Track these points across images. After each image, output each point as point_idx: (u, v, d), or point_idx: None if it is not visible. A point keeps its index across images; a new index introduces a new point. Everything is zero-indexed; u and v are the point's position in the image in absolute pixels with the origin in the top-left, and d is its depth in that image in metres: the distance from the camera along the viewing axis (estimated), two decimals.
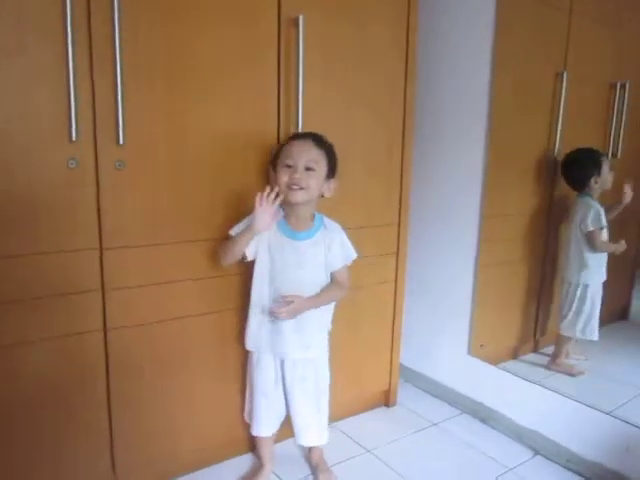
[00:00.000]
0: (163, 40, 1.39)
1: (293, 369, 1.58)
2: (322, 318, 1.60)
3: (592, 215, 2.09)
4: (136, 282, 1.45)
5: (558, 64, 2.14)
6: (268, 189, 1.42)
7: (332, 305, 1.62)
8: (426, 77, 2.15)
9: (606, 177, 2.10)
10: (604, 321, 2.45)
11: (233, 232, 1.50)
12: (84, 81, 1.30)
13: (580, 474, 1.76)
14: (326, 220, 1.58)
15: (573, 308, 2.19)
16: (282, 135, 1.63)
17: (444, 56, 2.16)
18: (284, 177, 1.45)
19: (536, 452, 1.88)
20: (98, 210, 1.38)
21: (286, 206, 1.51)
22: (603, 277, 2.16)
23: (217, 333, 1.63)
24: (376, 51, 1.81)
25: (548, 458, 1.85)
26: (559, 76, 2.13)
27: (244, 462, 1.77)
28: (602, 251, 2.14)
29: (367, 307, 1.98)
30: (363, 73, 1.79)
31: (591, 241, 2.12)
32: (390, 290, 2.04)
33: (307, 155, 1.45)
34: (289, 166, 1.45)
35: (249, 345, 1.58)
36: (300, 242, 1.51)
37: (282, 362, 1.58)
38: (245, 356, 1.66)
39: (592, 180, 2.09)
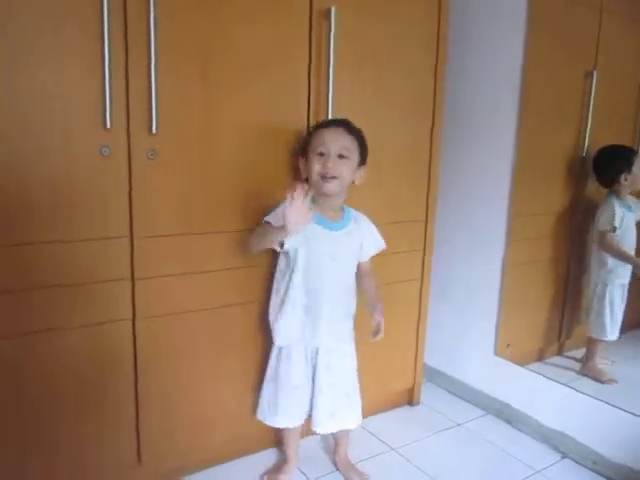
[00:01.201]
0: (197, 32, 1.40)
1: (324, 358, 1.55)
2: (352, 306, 1.60)
3: (606, 214, 2.08)
4: (165, 271, 1.45)
5: (588, 63, 2.12)
6: (299, 187, 1.31)
7: (355, 293, 1.60)
8: (457, 77, 2.13)
9: (637, 175, 2.06)
10: (632, 326, 2.41)
11: (270, 219, 1.45)
12: (119, 68, 1.30)
13: (607, 477, 1.72)
14: (353, 211, 1.58)
15: (594, 308, 2.17)
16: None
17: (475, 56, 2.14)
18: (317, 166, 1.43)
19: (564, 455, 1.85)
20: (130, 199, 1.38)
21: (318, 196, 1.48)
22: (624, 278, 2.13)
23: (245, 325, 1.63)
24: (407, 50, 1.80)
25: (575, 461, 1.81)
26: (589, 75, 2.10)
27: (269, 456, 1.76)
28: (609, 253, 2.10)
29: (392, 304, 1.95)
30: (393, 71, 1.78)
31: (599, 241, 2.11)
32: (416, 288, 2.02)
33: (340, 142, 1.43)
34: (321, 154, 1.43)
35: (281, 341, 1.54)
36: (336, 233, 1.50)
37: (313, 353, 1.55)
38: (267, 350, 1.65)
39: (622, 177, 2.07)
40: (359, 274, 1.61)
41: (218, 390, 1.61)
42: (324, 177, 1.42)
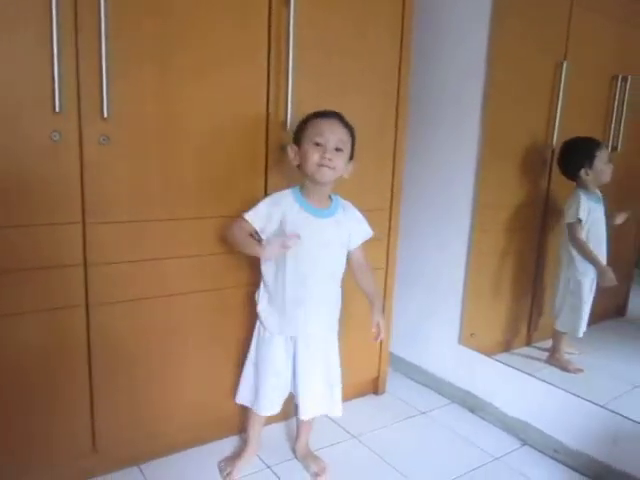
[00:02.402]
0: (153, 15, 1.38)
1: (306, 346, 1.55)
2: (339, 296, 1.61)
3: (574, 206, 2.04)
4: (120, 258, 1.44)
5: (558, 54, 2.12)
6: (294, 238, 1.43)
7: (340, 281, 1.60)
8: (422, 64, 2.13)
9: (600, 169, 2.04)
10: (601, 317, 2.43)
11: (248, 218, 1.46)
12: (68, 49, 1.28)
13: (567, 464, 1.74)
14: (340, 199, 1.58)
15: (562, 302, 2.17)
16: (271, 116, 1.62)
17: (440, 42, 2.14)
18: (314, 155, 1.43)
19: (524, 442, 1.86)
20: (82, 185, 1.36)
21: (310, 184, 1.49)
22: (593, 273, 2.11)
23: (207, 313, 1.62)
24: (371, 37, 1.79)
25: (536, 448, 1.83)
26: (559, 66, 2.10)
27: (227, 445, 1.76)
28: (575, 247, 2.08)
29: (357, 293, 1.95)
30: (358, 58, 1.77)
31: (568, 234, 2.09)
32: (381, 276, 2.02)
33: (337, 134, 1.44)
34: (318, 144, 1.44)
35: (268, 326, 1.54)
36: (325, 220, 1.50)
37: (295, 340, 1.55)
38: (240, 337, 1.65)
39: (582, 171, 2.04)
40: (354, 265, 1.61)
41: (177, 378, 1.61)
42: (321, 165, 1.43)
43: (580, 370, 2.11)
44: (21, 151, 1.28)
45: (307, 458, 1.69)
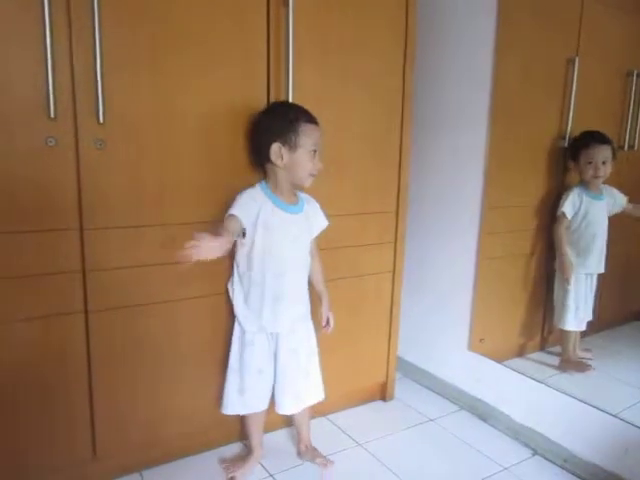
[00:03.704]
0: (147, 18, 1.36)
1: (287, 341, 1.56)
2: (306, 288, 1.62)
3: (562, 199, 2.07)
4: (117, 264, 1.43)
5: (570, 50, 2.06)
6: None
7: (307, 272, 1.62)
8: (427, 61, 2.09)
9: (584, 165, 2.04)
10: (618, 322, 2.37)
11: (235, 212, 1.44)
12: (63, 57, 1.27)
13: (577, 475, 1.68)
14: (302, 193, 1.61)
15: (559, 298, 2.15)
16: None
17: (446, 40, 2.09)
18: (308, 164, 1.48)
19: (534, 452, 1.81)
20: (79, 190, 1.35)
21: (284, 183, 1.51)
22: (589, 268, 2.10)
23: (205, 317, 1.60)
24: (374, 35, 1.76)
25: (545, 458, 1.77)
26: (571, 62, 2.04)
27: (229, 452, 1.73)
28: (554, 239, 2.09)
29: (364, 297, 1.93)
30: (360, 57, 1.74)
31: (553, 225, 2.09)
32: (388, 280, 1.98)
33: (320, 140, 1.49)
34: (314, 152, 1.48)
35: (247, 326, 1.54)
36: (296, 215, 1.53)
37: (274, 337, 1.56)
38: (225, 343, 1.63)
39: (569, 163, 2.08)
40: None
41: (176, 384, 1.59)
42: (312, 175, 1.49)
43: (591, 368, 2.08)
44: (17, 157, 1.27)
45: (314, 455, 1.70)
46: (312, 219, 1.60)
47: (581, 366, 2.09)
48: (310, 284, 1.64)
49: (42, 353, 1.38)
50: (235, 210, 1.44)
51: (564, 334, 2.15)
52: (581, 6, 2.06)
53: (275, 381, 1.59)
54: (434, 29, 2.11)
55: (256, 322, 1.53)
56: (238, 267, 1.54)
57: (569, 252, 2.08)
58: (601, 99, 2.16)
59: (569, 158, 2.10)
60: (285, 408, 1.59)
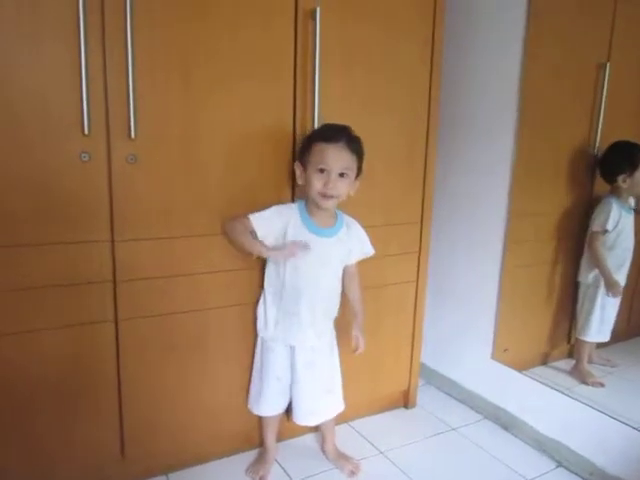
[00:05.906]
0: (178, 35, 1.39)
1: (304, 355, 1.58)
2: (335, 308, 1.63)
3: (601, 215, 1.98)
4: (147, 274, 1.47)
5: (601, 54, 2.02)
6: (303, 247, 1.46)
7: (339, 294, 1.62)
8: (454, 72, 2.07)
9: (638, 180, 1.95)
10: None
11: (253, 219, 1.47)
12: (96, 77, 1.31)
13: None
14: (346, 217, 1.58)
15: (585, 310, 2.10)
16: (298, 131, 1.61)
17: (472, 49, 2.07)
18: (317, 183, 1.43)
19: (559, 464, 1.80)
20: (110, 203, 1.40)
21: (311, 204, 1.50)
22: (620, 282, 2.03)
23: (231, 327, 1.64)
24: (400, 50, 1.75)
25: (570, 470, 1.76)
26: (601, 67, 2.01)
27: (255, 456, 1.76)
28: (593, 257, 2.02)
29: (388, 306, 1.94)
30: (386, 71, 1.74)
31: (589, 241, 2.03)
32: (411, 289, 1.99)
33: (341, 162, 1.43)
34: (322, 170, 1.43)
35: (262, 333, 1.59)
36: (327, 239, 1.51)
37: (293, 349, 1.58)
38: (253, 351, 1.67)
39: (620, 178, 1.95)
40: (345, 274, 1.63)
41: (203, 390, 1.63)
42: (324, 195, 1.44)
43: (599, 384, 2.02)
44: (53, 172, 1.32)
45: (339, 459, 1.73)
46: (349, 244, 1.57)
47: (590, 378, 2.04)
48: (346, 302, 1.66)
49: (74, 359, 1.43)
50: (254, 217, 1.47)
51: (580, 343, 2.12)
52: (614, 8, 2.02)
53: (292, 392, 1.62)
54: (460, 35, 2.09)
55: (272, 331, 1.57)
56: (266, 276, 1.58)
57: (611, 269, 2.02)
58: (633, 106, 2.11)
59: (626, 173, 1.96)
60: (300, 419, 1.63)
